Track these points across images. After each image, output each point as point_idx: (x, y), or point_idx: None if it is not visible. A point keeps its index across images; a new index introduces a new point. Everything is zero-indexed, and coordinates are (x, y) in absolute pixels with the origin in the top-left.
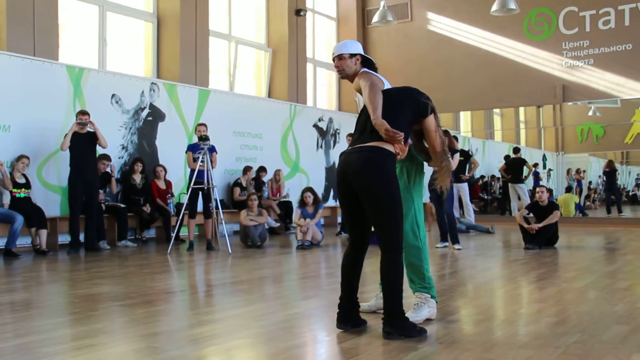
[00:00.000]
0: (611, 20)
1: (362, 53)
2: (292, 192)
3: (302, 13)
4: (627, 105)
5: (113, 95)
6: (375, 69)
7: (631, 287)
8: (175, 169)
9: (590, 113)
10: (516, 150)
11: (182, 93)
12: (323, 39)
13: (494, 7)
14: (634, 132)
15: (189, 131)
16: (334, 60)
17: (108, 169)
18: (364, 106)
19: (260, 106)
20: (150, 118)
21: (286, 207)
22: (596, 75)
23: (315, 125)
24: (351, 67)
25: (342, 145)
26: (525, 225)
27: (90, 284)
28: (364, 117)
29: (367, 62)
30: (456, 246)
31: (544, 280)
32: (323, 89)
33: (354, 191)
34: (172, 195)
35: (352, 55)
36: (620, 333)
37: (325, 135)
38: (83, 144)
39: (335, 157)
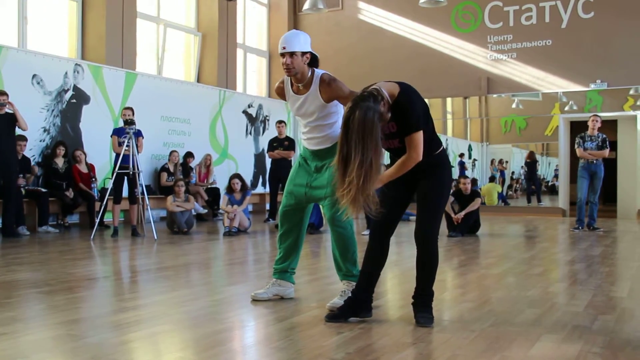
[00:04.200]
0: (533, 16)
1: (311, 50)
2: (220, 178)
3: None
4: (547, 99)
5: (34, 76)
6: (317, 66)
7: (544, 272)
8: (100, 153)
9: (513, 105)
10: None
11: (107, 75)
12: (254, 25)
13: None
14: (554, 125)
15: (115, 115)
16: (283, 55)
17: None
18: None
19: (188, 91)
20: (74, 100)
21: (214, 193)
22: (519, 69)
23: (244, 112)
24: (301, 66)
25: (272, 132)
26: (452, 215)
27: (6, 271)
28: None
29: (314, 60)
30: None
31: (464, 267)
32: (253, 75)
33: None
34: (95, 180)
35: (303, 53)
36: (531, 316)
37: (255, 121)
38: (1, 126)
39: (264, 143)
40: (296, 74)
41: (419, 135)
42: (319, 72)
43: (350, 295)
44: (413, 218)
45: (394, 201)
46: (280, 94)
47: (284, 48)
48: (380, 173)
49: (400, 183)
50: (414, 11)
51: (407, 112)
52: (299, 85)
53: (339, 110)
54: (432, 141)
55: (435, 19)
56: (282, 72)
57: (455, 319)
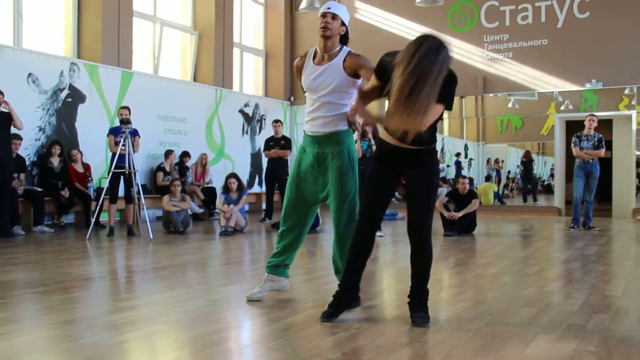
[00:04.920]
0: (529, 15)
1: (348, 26)
2: (216, 177)
3: None
4: (543, 98)
5: (30, 75)
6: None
7: (540, 272)
8: (96, 152)
9: (509, 105)
10: None
11: (103, 74)
12: (251, 24)
13: None
14: (550, 124)
15: (111, 114)
16: (324, 15)
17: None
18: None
19: (185, 90)
20: (70, 99)
21: (210, 192)
22: (515, 69)
23: (241, 111)
24: (336, 32)
25: (268, 131)
26: (446, 214)
27: (1, 271)
28: None
29: (345, 38)
30: (378, 233)
31: (461, 266)
32: (250, 74)
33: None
34: (91, 179)
35: (342, 23)
36: (527, 315)
37: (251, 121)
38: None
39: (260, 143)
40: (330, 35)
41: (440, 111)
42: (346, 48)
43: (338, 289)
44: (399, 217)
45: (381, 190)
46: (299, 66)
47: (329, 9)
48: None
49: (387, 172)
50: (410, 10)
51: (447, 84)
52: (325, 55)
53: (352, 98)
54: (435, 132)
55: (432, 18)
56: (278, 71)
57: (451, 319)
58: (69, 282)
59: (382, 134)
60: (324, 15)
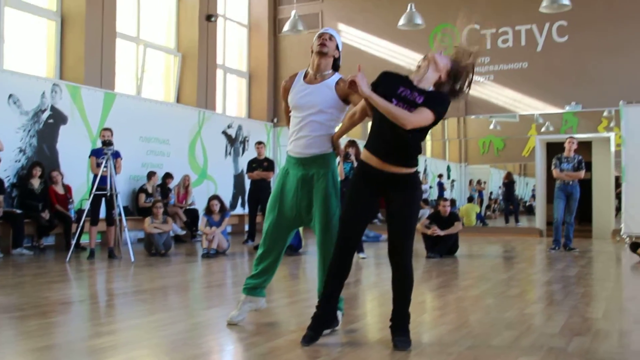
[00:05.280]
0: (509, 39)
1: (340, 53)
2: (198, 199)
3: (213, 19)
4: (524, 120)
5: (10, 96)
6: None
7: (521, 294)
8: (77, 174)
9: (491, 126)
10: None
11: (86, 96)
12: (234, 45)
13: (401, 22)
14: (531, 146)
15: (93, 135)
16: (323, 34)
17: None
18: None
19: (168, 111)
20: (52, 120)
21: (192, 214)
22: (496, 91)
23: (224, 132)
24: (331, 53)
25: (251, 153)
26: (428, 232)
27: None
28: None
29: (337, 63)
30: (361, 255)
31: (443, 288)
32: (233, 95)
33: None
34: (72, 201)
35: (337, 47)
36: (508, 338)
37: (234, 142)
38: None
39: (243, 164)
40: (327, 52)
41: (429, 117)
42: (338, 74)
43: (316, 311)
44: (383, 239)
45: (359, 210)
46: (287, 87)
47: (327, 30)
48: None
49: (367, 191)
50: (393, 33)
51: (441, 97)
52: (317, 74)
53: (338, 122)
54: (417, 149)
55: (414, 41)
56: (261, 93)
57: (434, 342)
58: (47, 307)
59: (364, 154)
60: (321, 35)
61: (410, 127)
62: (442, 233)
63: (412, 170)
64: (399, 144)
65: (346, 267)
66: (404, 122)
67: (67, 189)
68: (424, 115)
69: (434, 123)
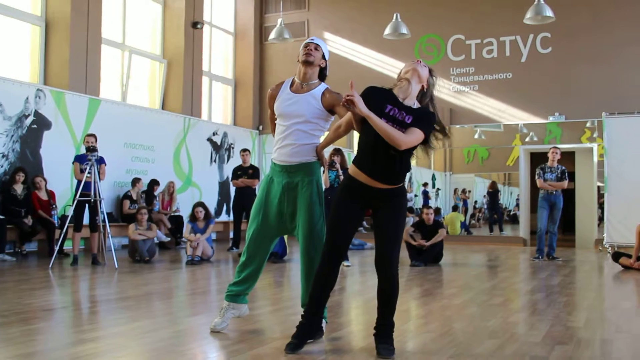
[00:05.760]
0: (494, 50)
1: (327, 62)
2: (183, 206)
3: (199, 26)
4: (509, 130)
5: None
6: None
7: (505, 302)
8: (61, 180)
9: (476, 136)
10: None
11: (70, 101)
12: (220, 52)
13: (387, 31)
14: (515, 155)
15: (77, 141)
16: (308, 44)
17: None
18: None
19: (153, 118)
20: (35, 126)
21: (177, 221)
22: (480, 101)
23: (209, 139)
24: (317, 62)
25: (236, 160)
26: (413, 242)
27: None
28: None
29: (323, 73)
30: (345, 263)
31: (427, 297)
32: (218, 103)
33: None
34: (56, 207)
35: (323, 56)
36: (491, 347)
37: (220, 149)
38: None
39: (228, 171)
40: (312, 62)
41: (420, 137)
42: (325, 84)
43: (301, 320)
44: (367, 247)
45: (346, 220)
46: (273, 95)
47: (312, 40)
48: None
49: (354, 203)
50: (378, 43)
51: (427, 116)
52: (303, 84)
53: (323, 132)
54: (408, 167)
55: (400, 50)
56: (247, 100)
57: (417, 350)
58: (29, 313)
59: (353, 170)
60: (307, 45)
61: (405, 147)
62: (427, 244)
63: (400, 185)
64: (390, 163)
65: (333, 277)
66: (399, 143)
67: (51, 194)
68: (415, 136)
69: (424, 142)
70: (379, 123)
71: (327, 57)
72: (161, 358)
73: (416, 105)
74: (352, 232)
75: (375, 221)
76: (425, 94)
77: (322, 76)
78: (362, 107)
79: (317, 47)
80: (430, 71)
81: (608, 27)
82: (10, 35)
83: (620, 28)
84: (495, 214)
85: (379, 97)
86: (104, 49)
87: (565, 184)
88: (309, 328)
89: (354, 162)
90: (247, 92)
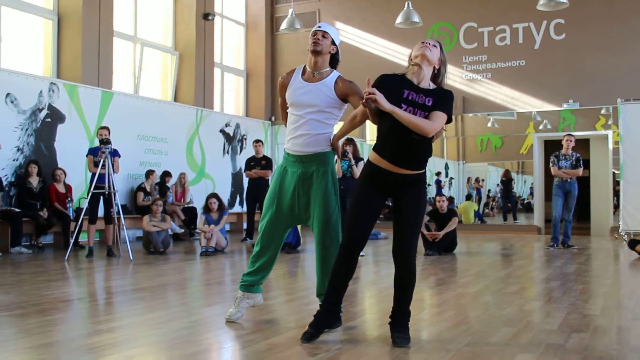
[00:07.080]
0: (507, 37)
1: (338, 46)
2: (197, 197)
3: (210, 17)
4: (522, 118)
5: (8, 95)
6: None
7: (520, 290)
8: (75, 172)
9: (489, 124)
10: None
11: (83, 94)
12: (231, 44)
13: (399, 20)
14: (528, 144)
15: (91, 134)
16: (315, 33)
17: None
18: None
19: (165, 110)
20: (49, 119)
21: (191, 212)
22: (493, 89)
23: (222, 131)
24: (327, 50)
25: (249, 151)
26: (426, 233)
27: None
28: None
29: (335, 59)
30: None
31: (442, 285)
32: (230, 94)
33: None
34: (72, 200)
35: (333, 42)
36: (507, 335)
37: (232, 140)
38: None
39: (241, 163)
40: (321, 51)
41: (444, 120)
42: (337, 72)
43: (319, 309)
44: (381, 237)
45: (368, 211)
46: (285, 83)
47: (320, 27)
48: None
49: (376, 192)
50: (390, 31)
51: (446, 96)
52: (315, 73)
53: (336, 120)
54: (429, 150)
55: (411, 39)
56: (259, 91)
57: (432, 339)
58: (46, 305)
59: (374, 157)
60: (314, 33)
61: (433, 134)
62: (441, 234)
63: (423, 171)
64: (411, 147)
65: (352, 268)
66: (427, 132)
67: (68, 187)
68: (440, 120)
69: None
70: (404, 116)
71: (337, 43)
72: (177, 348)
73: (432, 86)
74: (373, 223)
75: (395, 210)
76: (437, 74)
77: (333, 62)
78: (384, 103)
79: (325, 34)
80: (440, 48)
81: (623, 12)
82: (23, 29)
83: (636, 13)
84: (509, 202)
85: (394, 84)
86: (116, 42)
87: (580, 171)
88: (328, 317)
89: (374, 148)
90: (259, 83)
